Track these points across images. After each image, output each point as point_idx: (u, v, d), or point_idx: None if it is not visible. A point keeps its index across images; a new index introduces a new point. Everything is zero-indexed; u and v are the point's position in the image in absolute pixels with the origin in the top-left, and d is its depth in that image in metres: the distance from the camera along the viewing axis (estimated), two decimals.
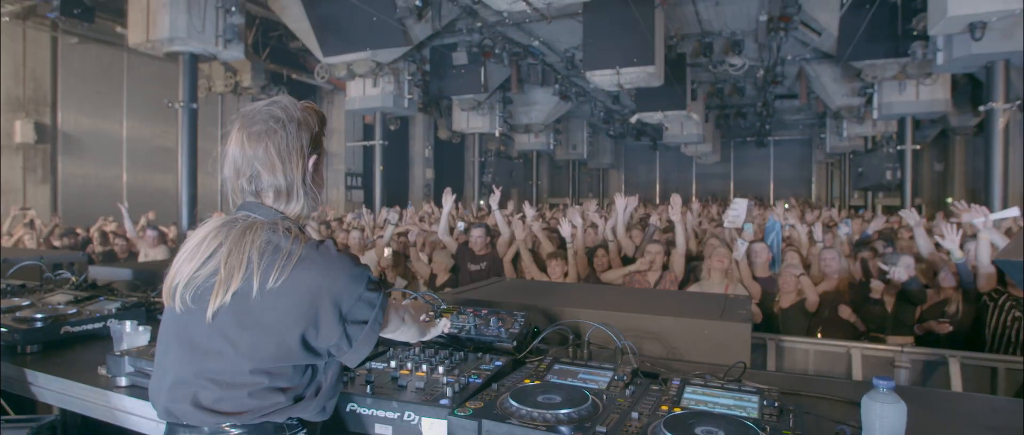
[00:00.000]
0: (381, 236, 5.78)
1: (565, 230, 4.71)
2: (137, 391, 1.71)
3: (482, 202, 14.68)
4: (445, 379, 1.57)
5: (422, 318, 1.67)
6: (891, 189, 13.38)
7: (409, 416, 1.45)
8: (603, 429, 1.29)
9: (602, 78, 9.36)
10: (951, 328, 3.68)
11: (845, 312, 3.99)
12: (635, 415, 1.37)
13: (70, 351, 2.11)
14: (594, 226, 6.06)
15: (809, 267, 4.71)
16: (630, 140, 23.82)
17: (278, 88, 12.87)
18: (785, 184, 24.00)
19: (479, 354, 1.86)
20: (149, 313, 2.42)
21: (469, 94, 12.93)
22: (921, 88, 10.57)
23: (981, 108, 8.44)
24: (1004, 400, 1.83)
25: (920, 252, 4.55)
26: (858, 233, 6.69)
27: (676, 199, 5.05)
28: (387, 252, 5.17)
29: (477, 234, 5.18)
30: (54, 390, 1.86)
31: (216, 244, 1.25)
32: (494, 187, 6.06)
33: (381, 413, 1.48)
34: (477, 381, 1.58)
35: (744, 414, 1.40)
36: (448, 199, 5.35)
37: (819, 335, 3.93)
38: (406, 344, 1.82)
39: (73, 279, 2.96)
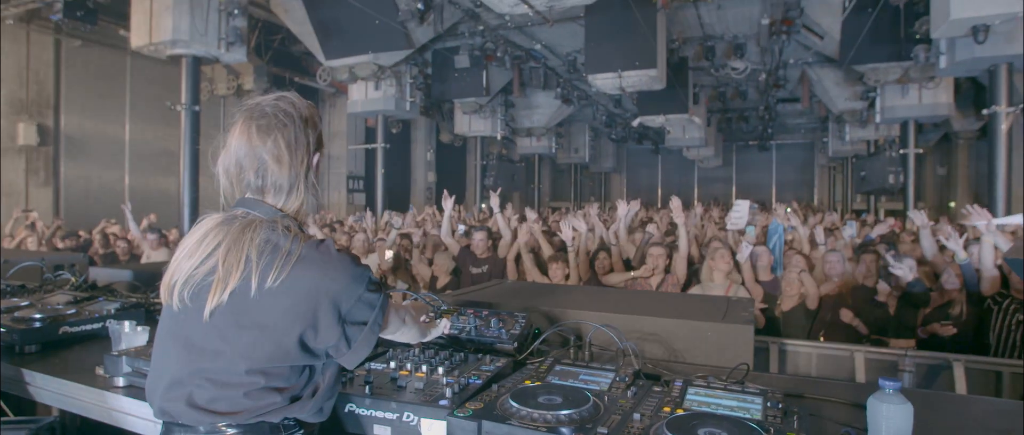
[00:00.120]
0: (383, 239, 5.78)
1: (566, 235, 4.70)
2: (134, 391, 1.69)
3: (483, 205, 14.66)
4: (445, 380, 1.56)
5: (422, 319, 1.66)
6: (894, 193, 13.34)
7: (408, 417, 1.44)
8: (605, 430, 1.28)
9: (604, 81, 9.34)
10: (955, 330, 3.66)
11: (846, 315, 3.97)
12: (637, 416, 1.36)
13: (68, 351, 2.10)
14: (592, 230, 6.03)
15: (813, 269, 4.69)
16: (632, 144, 23.79)
17: (281, 91, 12.88)
18: (787, 188, 23.90)
19: (479, 355, 1.84)
20: (148, 313, 2.41)
21: (471, 97, 12.91)
22: (924, 92, 10.53)
23: (984, 112, 8.40)
24: (1008, 403, 1.81)
25: (924, 254, 4.54)
26: (861, 237, 6.69)
27: (676, 202, 5.04)
28: (388, 254, 5.17)
29: (479, 237, 5.18)
30: (51, 390, 1.85)
31: (215, 242, 1.24)
32: (492, 190, 6.06)
33: (380, 414, 1.46)
34: (477, 382, 1.57)
35: (748, 416, 1.38)
36: (447, 202, 5.37)
37: (821, 339, 3.91)
38: (406, 345, 1.81)
39: (73, 280, 2.95)
